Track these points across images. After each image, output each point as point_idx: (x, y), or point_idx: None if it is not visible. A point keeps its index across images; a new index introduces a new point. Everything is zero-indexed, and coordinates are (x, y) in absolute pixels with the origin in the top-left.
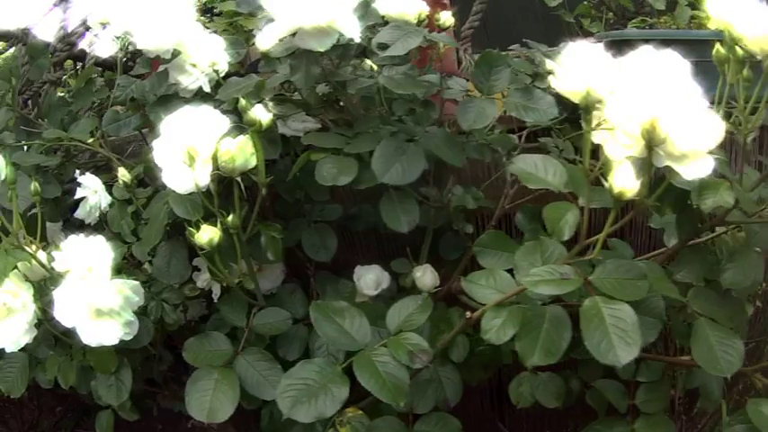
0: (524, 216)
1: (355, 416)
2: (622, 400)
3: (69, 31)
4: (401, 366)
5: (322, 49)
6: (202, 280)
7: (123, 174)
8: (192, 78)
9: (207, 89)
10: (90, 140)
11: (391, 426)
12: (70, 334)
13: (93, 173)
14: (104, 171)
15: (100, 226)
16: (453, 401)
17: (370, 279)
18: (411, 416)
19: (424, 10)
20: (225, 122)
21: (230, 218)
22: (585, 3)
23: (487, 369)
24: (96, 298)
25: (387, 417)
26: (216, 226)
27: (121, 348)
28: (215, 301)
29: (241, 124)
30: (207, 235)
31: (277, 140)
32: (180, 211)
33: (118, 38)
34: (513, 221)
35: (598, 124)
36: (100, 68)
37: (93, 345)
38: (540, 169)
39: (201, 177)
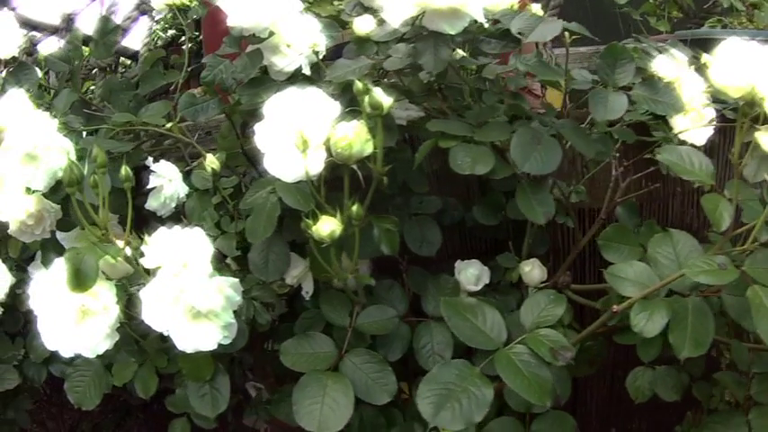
0: (626, 210)
1: None
2: (741, 390)
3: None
4: (543, 364)
5: (453, 32)
6: (292, 276)
7: (212, 161)
8: (288, 60)
9: (307, 71)
10: (168, 125)
11: (507, 426)
12: (146, 337)
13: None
14: (171, 159)
15: (171, 218)
16: (564, 399)
17: (471, 274)
18: (528, 415)
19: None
20: (336, 106)
21: (355, 208)
22: (651, 1)
23: (592, 365)
24: (195, 298)
25: (502, 418)
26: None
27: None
28: (306, 298)
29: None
30: (328, 227)
31: (394, 127)
32: (291, 201)
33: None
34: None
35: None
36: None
37: (189, 350)
38: (686, 161)
39: (314, 165)
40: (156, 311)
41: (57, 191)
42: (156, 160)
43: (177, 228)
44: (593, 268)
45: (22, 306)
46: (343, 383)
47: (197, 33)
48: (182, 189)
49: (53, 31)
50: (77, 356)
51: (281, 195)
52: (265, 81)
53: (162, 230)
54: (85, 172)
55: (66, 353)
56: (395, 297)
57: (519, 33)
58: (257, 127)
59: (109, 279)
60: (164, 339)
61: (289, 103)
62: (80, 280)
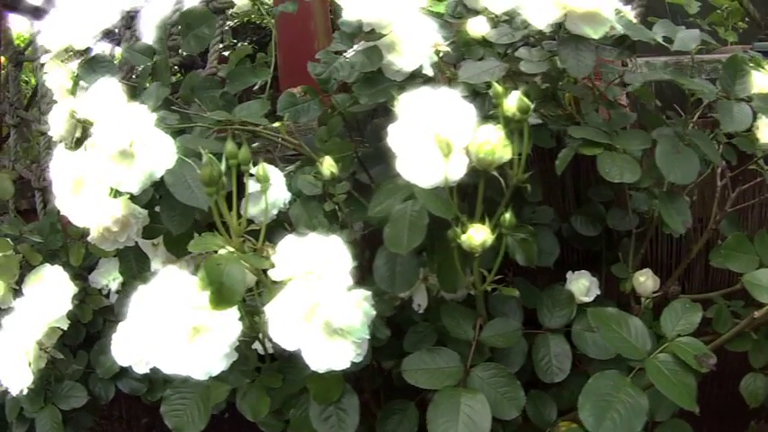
0: (729, 221)
1: (569, 429)
2: None
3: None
4: (688, 371)
5: (596, 36)
6: None
7: (330, 164)
8: (407, 59)
9: (429, 72)
10: (276, 125)
11: None
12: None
13: None
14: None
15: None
16: None
17: (582, 285)
18: (651, 424)
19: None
20: (472, 109)
21: (507, 216)
22: (719, 12)
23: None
24: (333, 313)
25: None
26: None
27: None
28: (419, 311)
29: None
30: (481, 236)
31: (530, 132)
32: (435, 209)
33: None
34: None
35: None
36: None
37: (322, 370)
38: None
39: (455, 170)
40: (287, 328)
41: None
42: (254, 163)
43: (312, 235)
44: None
45: (84, 317)
46: (478, 400)
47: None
48: (284, 195)
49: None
50: (176, 376)
51: (426, 203)
52: (383, 80)
53: (291, 238)
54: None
55: (173, 372)
56: (510, 309)
57: (665, 40)
58: (392, 128)
59: None
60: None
61: (427, 104)
62: (224, 295)
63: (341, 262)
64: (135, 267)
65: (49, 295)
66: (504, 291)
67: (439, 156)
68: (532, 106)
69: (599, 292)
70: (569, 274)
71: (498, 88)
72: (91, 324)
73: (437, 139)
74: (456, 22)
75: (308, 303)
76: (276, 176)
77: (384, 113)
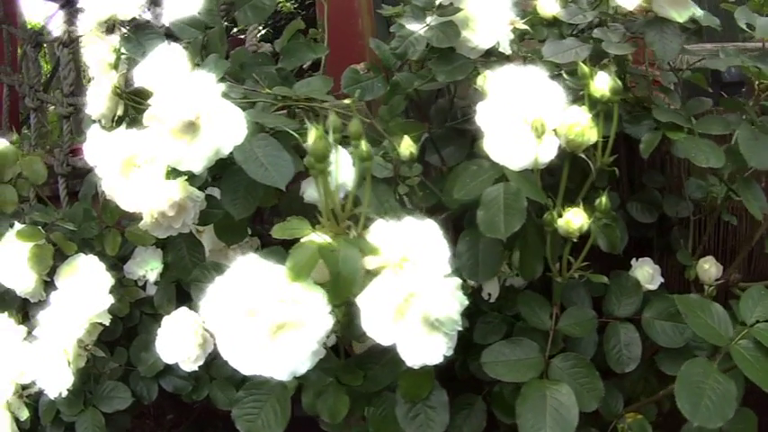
0: None
1: (635, 420)
2: None
3: None
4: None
5: (681, 20)
6: None
7: (409, 145)
8: (484, 36)
9: (507, 50)
10: (347, 102)
11: None
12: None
13: None
14: None
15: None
16: None
17: (647, 272)
18: None
19: None
20: (561, 90)
21: (603, 200)
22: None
23: None
24: (432, 303)
25: None
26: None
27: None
28: (489, 300)
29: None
30: (579, 220)
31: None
32: (529, 192)
33: None
34: None
35: None
36: None
37: (417, 365)
38: None
39: (546, 152)
40: (382, 321)
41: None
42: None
43: (407, 219)
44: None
45: (121, 311)
46: (564, 392)
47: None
48: (350, 177)
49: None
50: (249, 377)
51: (520, 186)
52: (458, 57)
53: (382, 223)
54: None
55: (253, 373)
56: (579, 297)
57: (747, 26)
58: (480, 107)
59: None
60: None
61: (518, 83)
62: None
63: (438, 248)
64: (187, 257)
65: (87, 288)
66: (593, 278)
67: (531, 137)
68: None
69: (662, 280)
70: (634, 262)
71: (585, 69)
72: (127, 318)
73: (532, 119)
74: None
75: (404, 293)
76: (343, 158)
77: (443, 94)
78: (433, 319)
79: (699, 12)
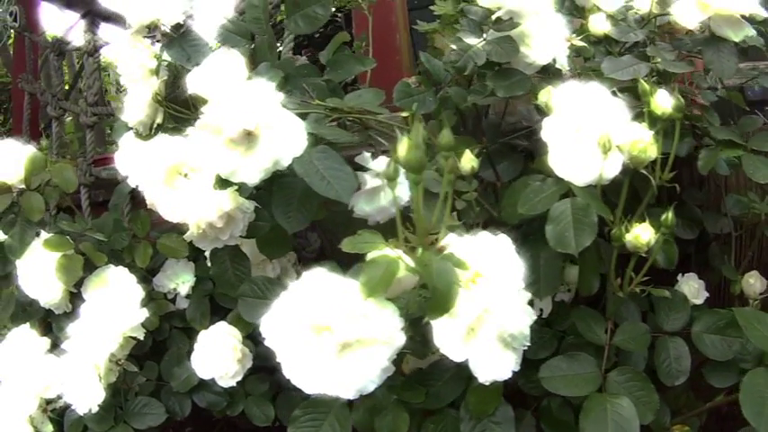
0: None
1: None
2: None
3: None
4: None
5: (737, 39)
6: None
7: (470, 159)
8: (541, 52)
9: (564, 66)
10: (403, 114)
11: None
12: None
13: None
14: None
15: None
16: None
17: (693, 287)
18: None
19: None
20: (623, 106)
21: (669, 216)
22: None
23: None
24: (507, 319)
25: None
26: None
27: None
28: (542, 316)
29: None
30: (647, 235)
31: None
32: (596, 207)
33: None
34: None
35: None
36: None
37: (488, 381)
38: None
39: (611, 168)
40: (455, 337)
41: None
42: (374, 156)
43: (483, 234)
44: None
45: (151, 324)
46: (624, 405)
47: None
48: (405, 192)
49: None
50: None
51: (590, 201)
52: (515, 73)
53: (454, 237)
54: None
55: (317, 392)
56: (630, 312)
57: None
58: (546, 123)
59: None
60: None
61: (583, 99)
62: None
63: (512, 263)
64: (231, 270)
65: (118, 301)
66: (655, 292)
67: (597, 153)
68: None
69: (707, 295)
70: (680, 277)
71: (646, 86)
72: (156, 332)
73: (599, 135)
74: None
75: (479, 309)
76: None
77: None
78: (507, 335)
79: (752, 32)
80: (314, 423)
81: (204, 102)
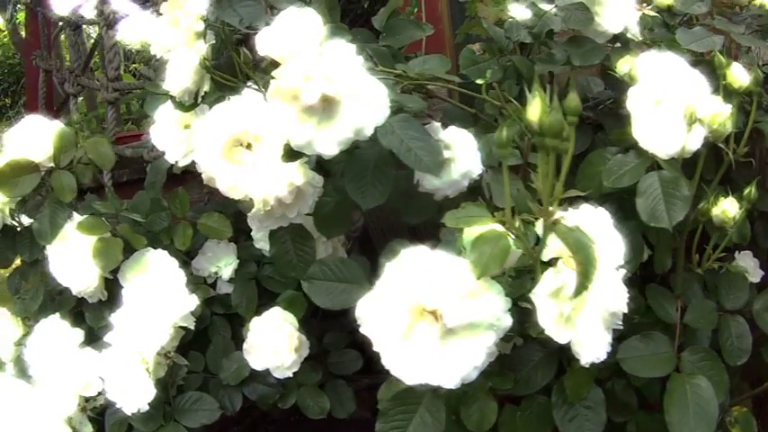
0: None
1: (741, 413)
2: None
3: None
4: None
5: None
6: None
7: None
8: (614, 20)
9: (637, 36)
10: (480, 81)
11: None
12: None
13: None
14: None
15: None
16: None
17: (749, 265)
18: None
19: None
20: (704, 79)
21: (752, 190)
22: None
23: None
24: (611, 298)
25: None
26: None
27: None
28: None
29: None
30: (734, 209)
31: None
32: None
33: None
34: None
35: None
36: None
37: (589, 362)
38: None
39: (694, 141)
40: (559, 317)
41: None
42: (443, 126)
43: (584, 207)
44: None
45: (195, 311)
46: (702, 385)
47: None
48: (478, 164)
49: None
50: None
51: (675, 174)
52: (587, 42)
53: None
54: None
55: (420, 382)
56: (693, 291)
57: None
58: (632, 92)
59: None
60: None
61: (668, 71)
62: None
63: (613, 238)
64: (292, 251)
65: (163, 287)
66: (731, 268)
67: (681, 125)
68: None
69: (762, 273)
70: (737, 255)
71: (722, 59)
72: (198, 320)
73: (685, 107)
74: None
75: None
76: (468, 143)
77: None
78: (609, 313)
79: None
80: (404, 417)
81: (273, 65)
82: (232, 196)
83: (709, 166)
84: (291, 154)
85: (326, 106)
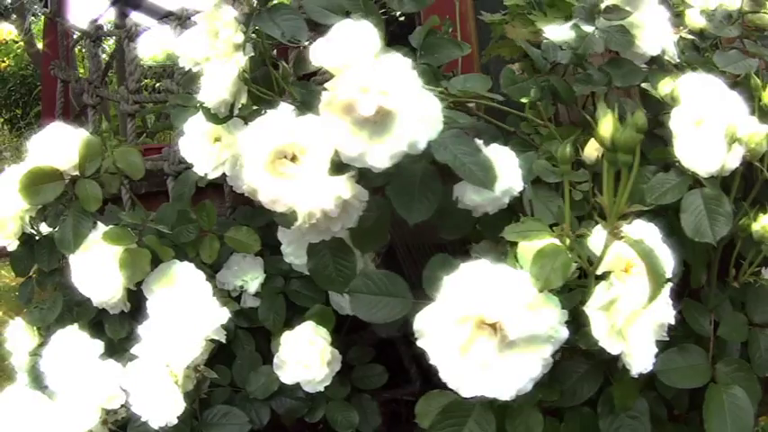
0: None
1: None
2: None
3: None
4: None
5: None
6: None
7: (596, 148)
8: (651, 43)
9: (674, 58)
10: (524, 99)
11: None
12: None
13: None
14: None
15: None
16: None
17: None
18: None
19: None
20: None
21: None
22: None
23: None
24: (662, 311)
25: None
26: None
27: None
28: None
29: None
30: None
31: None
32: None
33: None
34: None
35: None
36: None
37: (638, 373)
38: None
39: (733, 160)
40: (612, 328)
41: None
42: (486, 143)
43: (637, 222)
44: None
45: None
46: (739, 396)
47: None
48: (518, 181)
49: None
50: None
51: (716, 191)
52: (626, 63)
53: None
54: None
55: (476, 394)
56: (726, 304)
57: None
58: (674, 112)
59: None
60: None
61: (710, 91)
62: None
63: (663, 251)
64: (331, 265)
65: (191, 300)
66: (764, 281)
67: (721, 144)
68: None
69: None
70: (763, 270)
71: (757, 80)
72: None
73: (726, 127)
74: None
75: (634, 303)
76: (509, 159)
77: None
78: (659, 324)
79: None
80: (454, 429)
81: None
82: (275, 209)
83: (739, 185)
84: (339, 167)
85: (380, 119)
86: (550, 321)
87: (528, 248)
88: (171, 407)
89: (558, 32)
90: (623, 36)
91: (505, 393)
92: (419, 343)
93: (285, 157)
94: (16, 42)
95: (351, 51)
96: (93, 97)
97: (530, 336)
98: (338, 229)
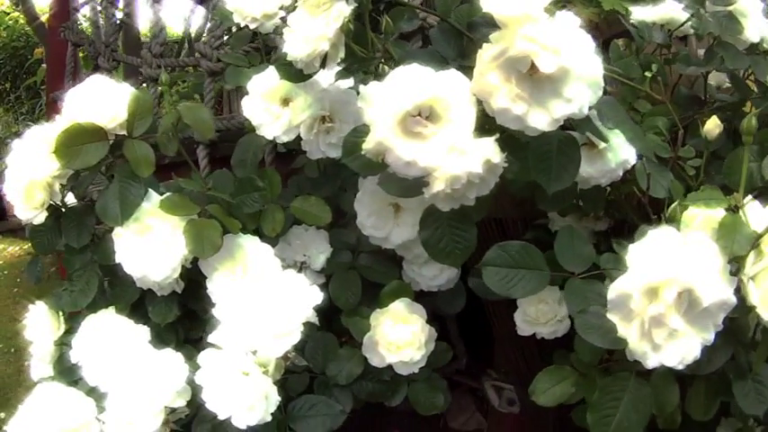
0: None
1: None
2: None
3: None
4: None
5: None
6: None
7: (716, 125)
8: (753, 30)
9: None
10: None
11: None
12: None
13: None
14: None
15: None
16: None
17: None
18: None
19: None
20: None
21: None
22: None
23: None
24: None
25: None
26: None
27: None
28: None
29: None
30: None
31: None
32: None
33: None
34: None
35: None
36: None
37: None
38: None
39: None
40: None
41: None
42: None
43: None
44: None
45: None
46: None
47: None
48: (633, 155)
49: None
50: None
51: None
52: (731, 47)
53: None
54: None
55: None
56: None
57: None
58: None
59: None
60: None
61: None
62: None
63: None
64: (447, 236)
65: (285, 281)
66: None
67: None
68: None
69: None
70: None
71: None
72: None
73: None
74: None
75: None
76: (617, 133)
77: None
78: None
79: None
80: (613, 403)
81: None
82: (408, 173)
83: None
84: (488, 128)
85: (547, 79)
86: (729, 291)
87: (691, 216)
88: (262, 402)
89: (647, 12)
90: (731, 22)
91: (687, 360)
92: (608, 315)
93: (419, 115)
94: (7, 14)
95: (529, 1)
96: (110, 61)
97: (721, 302)
98: (473, 197)
